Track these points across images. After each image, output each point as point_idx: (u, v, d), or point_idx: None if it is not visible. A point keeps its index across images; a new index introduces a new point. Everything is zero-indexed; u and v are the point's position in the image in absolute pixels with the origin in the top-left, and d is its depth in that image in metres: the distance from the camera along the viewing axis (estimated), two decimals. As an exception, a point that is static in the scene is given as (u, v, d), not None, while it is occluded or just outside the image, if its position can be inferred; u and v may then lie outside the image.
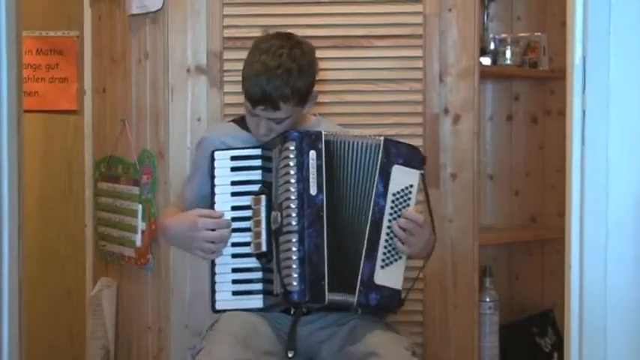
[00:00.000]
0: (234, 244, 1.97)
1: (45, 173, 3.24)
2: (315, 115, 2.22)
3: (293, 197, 1.89)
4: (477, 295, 2.56)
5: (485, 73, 2.81)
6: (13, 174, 2.05)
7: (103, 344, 2.76)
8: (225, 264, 1.97)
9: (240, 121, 2.15)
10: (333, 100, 2.44)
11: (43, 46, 3.22)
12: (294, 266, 1.86)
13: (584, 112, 1.75)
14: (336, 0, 2.47)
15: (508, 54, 3.01)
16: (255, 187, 1.97)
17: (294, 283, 1.86)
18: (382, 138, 1.97)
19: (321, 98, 2.15)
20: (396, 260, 1.94)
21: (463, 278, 2.51)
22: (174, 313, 2.50)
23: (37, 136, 3.19)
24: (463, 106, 2.49)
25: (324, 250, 1.89)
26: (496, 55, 3.02)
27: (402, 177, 1.96)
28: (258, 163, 1.99)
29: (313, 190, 1.90)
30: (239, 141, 2.09)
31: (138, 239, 2.61)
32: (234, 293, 1.96)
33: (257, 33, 2.24)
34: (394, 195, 1.95)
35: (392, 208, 1.94)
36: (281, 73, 1.95)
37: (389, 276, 1.93)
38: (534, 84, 3.18)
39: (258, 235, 1.93)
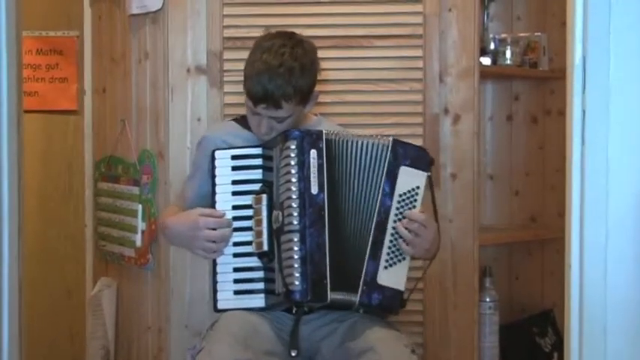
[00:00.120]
0: (235, 244, 1.97)
1: (45, 173, 3.24)
2: (316, 114, 2.22)
3: (294, 196, 1.89)
4: (477, 295, 2.56)
5: (485, 73, 2.81)
6: (13, 174, 2.05)
7: (103, 344, 2.76)
8: (226, 263, 1.97)
9: (242, 120, 2.15)
10: (333, 100, 2.44)
11: (43, 46, 3.22)
12: (296, 265, 1.86)
13: (584, 112, 1.76)
14: (336, 0, 2.47)
15: (508, 54, 3.01)
16: (256, 187, 1.97)
17: (296, 283, 1.86)
18: (391, 138, 1.97)
19: (322, 98, 2.15)
20: (399, 261, 1.94)
21: (463, 278, 2.51)
22: (174, 313, 2.50)
23: (37, 136, 3.19)
24: (463, 106, 2.49)
25: (326, 249, 1.89)
26: (496, 55, 3.02)
27: (409, 178, 1.96)
28: (258, 162, 1.99)
29: (314, 190, 1.90)
30: (240, 140, 2.09)
31: (138, 239, 2.61)
32: (236, 292, 1.96)
33: (257, 33, 2.24)
34: (400, 196, 1.95)
35: (397, 209, 1.94)
36: (283, 72, 1.95)
37: (392, 276, 1.93)
38: (534, 84, 3.18)
39: (259, 234, 1.93)
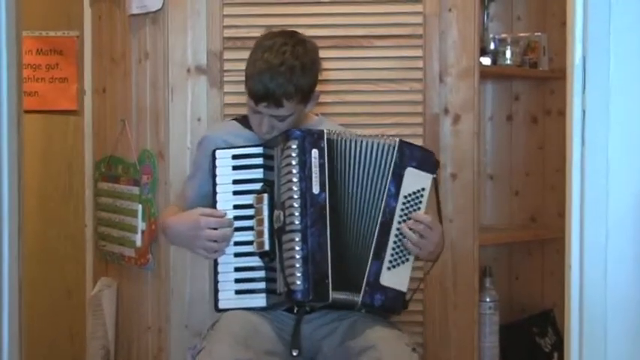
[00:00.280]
0: (236, 243, 1.97)
1: (45, 173, 3.24)
2: (317, 114, 2.22)
3: (295, 196, 1.89)
4: (477, 295, 2.56)
5: (485, 73, 2.81)
6: (13, 174, 2.05)
7: (103, 344, 2.76)
8: (227, 263, 1.97)
9: (242, 120, 2.15)
10: (333, 100, 2.44)
11: (43, 46, 3.22)
12: (298, 265, 1.86)
13: (584, 112, 1.76)
14: (336, 0, 2.47)
15: (508, 54, 3.01)
16: (257, 186, 1.96)
17: (298, 282, 1.86)
18: (397, 139, 1.97)
19: (322, 98, 2.15)
20: (403, 262, 1.94)
21: (463, 278, 2.51)
22: (174, 313, 2.50)
23: (37, 136, 3.19)
24: (463, 106, 2.49)
25: (328, 249, 1.89)
26: (496, 55, 3.02)
27: (415, 180, 1.95)
28: (259, 161, 1.99)
29: (316, 189, 1.90)
30: (241, 139, 2.09)
31: (138, 239, 2.61)
32: (237, 292, 1.96)
33: (257, 33, 2.24)
34: (405, 197, 1.94)
35: (402, 210, 1.94)
36: (284, 71, 1.95)
37: (395, 278, 1.92)
38: (534, 84, 3.18)
39: (260, 234, 1.93)
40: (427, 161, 1.98)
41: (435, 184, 1.98)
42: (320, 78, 2.08)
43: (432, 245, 1.96)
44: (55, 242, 3.23)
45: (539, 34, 3.10)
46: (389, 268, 1.92)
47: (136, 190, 2.63)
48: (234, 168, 2.00)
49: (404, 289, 1.93)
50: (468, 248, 2.51)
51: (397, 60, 2.47)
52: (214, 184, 2.00)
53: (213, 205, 1.99)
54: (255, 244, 1.94)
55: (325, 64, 2.17)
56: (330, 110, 2.39)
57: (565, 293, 1.83)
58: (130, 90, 2.66)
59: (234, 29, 2.47)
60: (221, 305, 1.97)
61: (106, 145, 2.83)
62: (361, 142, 1.96)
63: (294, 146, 1.91)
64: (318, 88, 2.07)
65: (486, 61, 2.96)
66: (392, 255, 1.93)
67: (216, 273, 1.97)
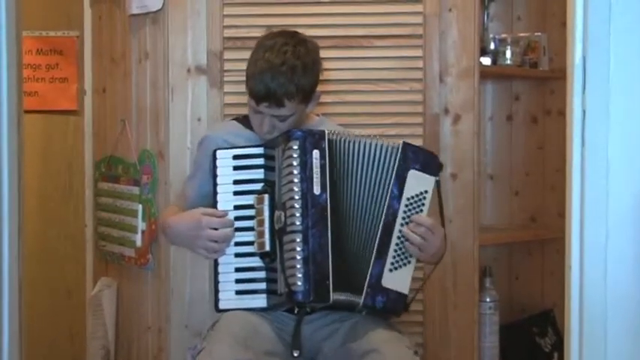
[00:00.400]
0: (237, 244, 1.97)
1: (45, 173, 3.24)
2: (318, 115, 2.22)
3: (296, 197, 1.88)
4: (477, 295, 2.56)
5: (485, 73, 2.81)
6: (13, 174, 2.05)
7: (103, 344, 2.76)
8: (228, 263, 1.97)
9: (243, 120, 2.14)
10: (334, 100, 2.44)
11: (43, 46, 3.22)
12: (299, 266, 1.86)
13: (584, 112, 1.76)
14: (336, 0, 2.47)
15: (508, 54, 3.01)
16: (258, 186, 1.96)
17: (299, 283, 1.85)
18: (401, 141, 1.97)
19: (322, 98, 2.15)
20: (405, 265, 1.94)
21: (463, 278, 2.51)
22: (175, 313, 2.50)
23: (37, 136, 3.19)
24: (463, 106, 2.49)
25: (329, 250, 1.88)
26: (496, 55, 3.02)
27: (418, 182, 1.95)
28: (260, 161, 1.99)
29: (317, 190, 1.90)
30: (242, 139, 2.09)
31: (138, 239, 2.61)
32: (238, 292, 1.96)
33: (257, 33, 2.24)
34: (408, 199, 1.94)
35: (405, 212, 1.93)
36: (285, 71, 1.95)
37: (396, 280, 1.92)
38: (534, 84, 3.18)
39: (261, 234, 1.93)
40: (430, 164, 1.98)
41: (438, 186, 1.98)
42: (321, 78, 2.08)
43: (433, 248, 1.95)
44: (55, 242, 3.23)
45: (540, 34, 3.10)
46: (391, 270, 1.92)
47: (136, 190, 2.63)
48: (235, 168, 2.00)
49: (405, 291, 1.93)
50: (468, 248, 2.51)
51: (397, 60, 2.47)
52: (215, 185, 1.99)
53: (214, 205, 1.99)
54: (255, 244, 1.94)
55: (325, 64, 2.17)
56: (330, 110, 2.39)
57: (565, 293, 1.83)
58: (130, 90, 2.66)
59: (234, 29, 2.47)
60: (221, 305, 1.96)
61: (106, 145, 2.83)
62: (364, 143, 1.96)
63: (296, 147, 1.90)
64: (319, 88, 2.07)
65: (486, 61, 2.96)
66: (394, 257, 1.93)
67: (216, 273, 1.97)
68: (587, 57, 1.75)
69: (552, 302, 3.11)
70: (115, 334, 2.77)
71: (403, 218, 1.93)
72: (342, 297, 1.90)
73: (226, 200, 1.98)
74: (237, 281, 1.96)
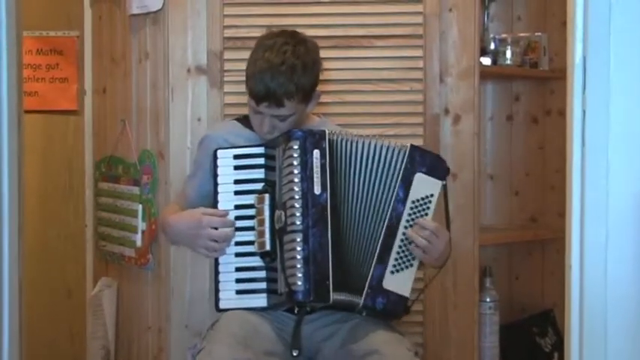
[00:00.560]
0: (237, 243, 1.97)
1: (45, 173, 3.24)
2: (319, 115, 2.22)
3: (297, 197, 1.88)
4: (477, 295, 2.56)
5: (485, 73, 2.81)
6: (13, 174, 2.05)
7: (104, 344, 2.76)
8: (228, 263, 1.97)
9: (244, 120, 2.15)
10: (334, 100, 2.44)
11: (43, 46, 3.22)
12: (299, 266, 1.86)
13: (584, 112, 1.75)
14: (336, 0, 2.47)
15: (508, 54, 3.01)
16: (259, 186, 1.96)
17: (299, 283, 1.86)
18: (409, 144, 1.96)
19: (322, 98, 2.15)
20: (407, 267, 1.94)
21: (463, 278, 2.51)
22: (175, 313, 2.50)
23: (37, 136, 3.19)
24: (463, 106, 2.49)
25: (329, 250, 1.88)
26: (496, 55, 3.02)
27: (424, 185, 1.94)
28: (261, 161, 1.99)
29: (317, 190, 1.90)
30: (242, 139, 2.09)
31: (138, 239, 2.61)
32: (238, 292, 1.96)
33: (257, 33, 2.24)
34: (413, 202, 1.94)
35: (409, 215, 1.93)
36: (285, 70, 1.95)
37: (398, 282, 1.92)
38: (534, 84, 3.18)
39: (261, 234, 1.93)
40: (438, 167, 1.97)
41: (445, 190, 1.98)
42: (321, 78, 2.08)
43: (437, 252, 1.95)
44: (55, 242, 3.23)
45: (540, 34, 3.10)
46: (392, 272, 1.92)
47: (136, 190, 2.63)
48: (236, 168, 2.00)
49: (406, 293, 1.93)
50: (468, 248, 2.51)
51: (397, 60, 2.47)
52: (215, 184, 1.99)
53: (215, 204, 1.99)
54: (256, 244, 1.94)
55: (325, 64, 2.17)
56: (330, 110, 2.39)
57: (565, 293, 1.83)
58: (130, 90, 2.66)
59: (234, 29, 2.47)
60: (222, 305, 1.96)
61: (106, 145, 2.83)
62: (368, 143, 1.96)
63: (296, 146, 1.91)
64: (319, 88, 2.07)
65: (486, 61, 2.96)
66: (396, 259, 1.92)
67: (217, 273, 1.97)
68: (587, 57, 1.75)
69: (552, 302, 3.11)
70: (115, 334, 2.77)
71: (407, 221, 1.93)
72: (342, 297, 1.90)
73: (227, 200, 1.98)
74: (238, 281, 1.96)
